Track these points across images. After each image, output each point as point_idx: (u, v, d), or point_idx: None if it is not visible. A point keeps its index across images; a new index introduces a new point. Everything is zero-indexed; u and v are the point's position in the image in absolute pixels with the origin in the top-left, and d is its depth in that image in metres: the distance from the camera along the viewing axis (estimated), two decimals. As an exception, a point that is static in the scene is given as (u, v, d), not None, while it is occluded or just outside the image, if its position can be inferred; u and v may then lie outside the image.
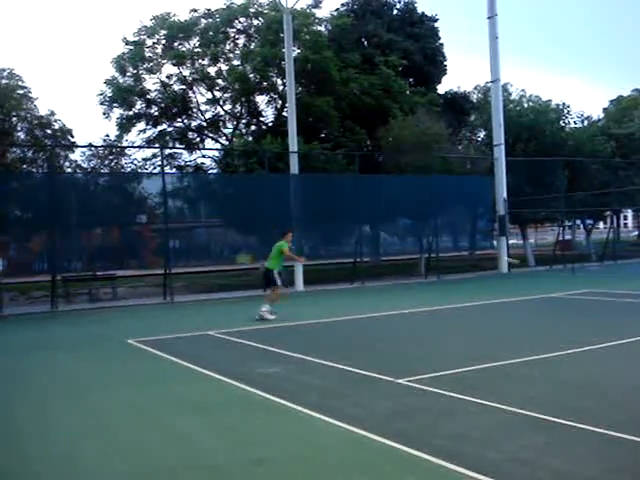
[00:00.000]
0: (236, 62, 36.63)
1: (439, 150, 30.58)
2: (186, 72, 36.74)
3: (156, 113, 37.39)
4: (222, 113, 38.38)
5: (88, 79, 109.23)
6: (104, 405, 7.94)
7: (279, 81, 35.99)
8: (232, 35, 36.80)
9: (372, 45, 39.07)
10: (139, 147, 38.27)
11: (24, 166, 34.66)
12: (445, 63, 43.08)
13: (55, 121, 36.68)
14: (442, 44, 42.91)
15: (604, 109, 52.17)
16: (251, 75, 35.65)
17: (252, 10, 36.46)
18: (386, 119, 33.59)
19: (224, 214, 25.75)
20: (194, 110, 38.03)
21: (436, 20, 43.20)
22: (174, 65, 36.58)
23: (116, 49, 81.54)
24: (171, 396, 8.26)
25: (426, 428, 6.39)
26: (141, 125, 37.48)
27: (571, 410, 6.72)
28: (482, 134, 39.96)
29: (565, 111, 36.38)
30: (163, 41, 36.34)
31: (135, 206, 25.07)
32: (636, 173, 37.34)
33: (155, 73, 36.88)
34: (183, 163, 37.46)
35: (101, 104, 36.58)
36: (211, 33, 35.80)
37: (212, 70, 36.82)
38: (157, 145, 36.23)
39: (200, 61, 36.57)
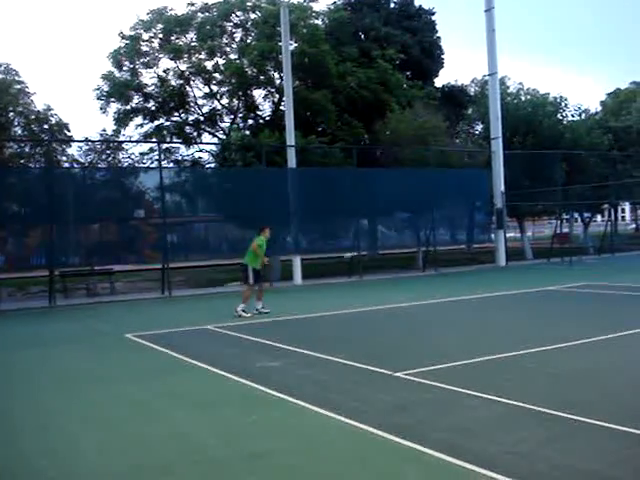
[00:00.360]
0: (233, 56, 36.53)
1: (437, 143, 30.56)
2: (183, 66, 36.60)
3: (153, 107, 37.25)
4: (219, 107, 38.26)
5: (85, 74, 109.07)
6: (103, 399, 7.93)
7: (276, 75, 35.87)
8: (229, 29, 36.68)
9: (369, 39, 38.99)
10: (136, 142, 38.15)
11: (21, 161, 34.59)
12: (442, 56, 43.08)
13: (52, 116, 36.58)
14: (439, 37, 42.89)
15: (602, 102, 52.23)
16: (248, 69, 35.52)
17: (249, 4, 36.34)
18: (383, 113, 33.55)
19: (222, 208, 25.72)
20: (191, 104, 37.91)
21: (433, 13, 43.18)
22: (171, 59, 36.44)
23: (113, 43, 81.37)
24: (170, 390, 8.27)
25: (425, 421, 6.39)
26: (138, 120, 37.34)
27: (571, 403, 6.72)
28: (480, 127, 39.97)
29: (563, 104, 36.37)
30: (160, 35, 36.19)
31: (133, 201, 25.04)
32: (634, 166, 37.36)
33: (152, 67, 36.75)
34: (180, 157, 37.38)
35: (98, 99, 36.43)
36: (208, 27, 35.66)
37: (209, 64, 36.70)
38: (154, 140, 36.12)
39: (197, 55, 36.45)
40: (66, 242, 22.34)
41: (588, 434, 5.84)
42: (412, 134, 30.54)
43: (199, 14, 36.32)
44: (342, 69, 34.68)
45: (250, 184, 24.33)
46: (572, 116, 37.90)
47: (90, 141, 36.38)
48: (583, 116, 39.73)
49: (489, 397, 7.06)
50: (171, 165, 34.25)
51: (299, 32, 33.96)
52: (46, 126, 36.44)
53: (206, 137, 38.96)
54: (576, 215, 40.16)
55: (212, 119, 38.19)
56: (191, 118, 38.23)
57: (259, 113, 38.21)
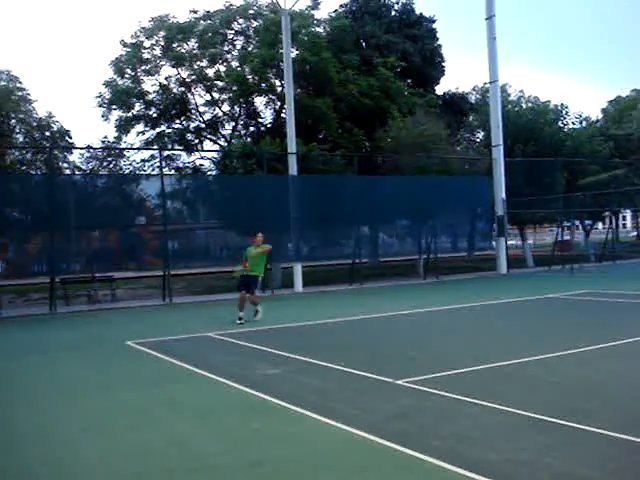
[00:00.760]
0: (235, 63, 36.60)
1: (438, 151, 30.59)
2: (184, 74, 36.71)
3: (155, 115, 37.32)
4: (220, 114, 38.34)
5: (87, 81, 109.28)
6: (103, 407, 7.94)
7: (277, 82, 35.92)
8: (230, 37, 36.78)
9: (370, 46, 39.07)
10: (137, 149, 38.20)
11: (23, 168, 34.62)
12: (443, 64, 43.12)
13: (53, 123, 36.60)
14: (440, 45, 42.93)
15: (603, 110, 52.28)
16: (249, 76, 35.60)
17: (251, 12, 36.44)
18: (385, 120, 33.60)
19: (223, 215, 25.74)
20: (192, 112, 37.97)
21: (434, 21, 43.25)
22: (172, 67, 36.55)
23: (115, 51, 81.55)
24: (170, 398, 8.26)
25: (426, 429, 6.38)
26: (140, 127, 37.40)
27: (571, 411, 6.71)
28: (481, 135, 40.02)
29: (563, 112, 36.46)
30: (162, 42, 36.30)
31: (134, 208, 25.07)
32: (635, 174, 37.38)
33: (153, 75, 36.83)
34: (182, 165, 37.43)
35: (100, 106, 36.50)
36: (210, 34, 35.76)
37: (210, 71, 36.80)
38: (155, 147, 36.17)
39: (199, 62, 36.54)
40: (67, 249, 22.35)
41: (588, 442, 5.83)
42: (413, 142, 30.58)
43: (201, 22, 36.41)
44: (343, 77, 34.73)
45: (251, 191, 24.35)
46: (573, 124, 38.01)
47: (92, 148, 36.42)
48: (584, 124, 39.81)
49: (490, 405, 7.05)
50: (172, 172, 34.29)
51: (300, 40, 34.02)
52: (48, 133, 36.46)
53: (207, 144, 39.01)
54: (577, 223, 40.15)
55: (213, 126, 38.23)
56: (192, 125, 38.29)
57: (260, 120, 38.26)
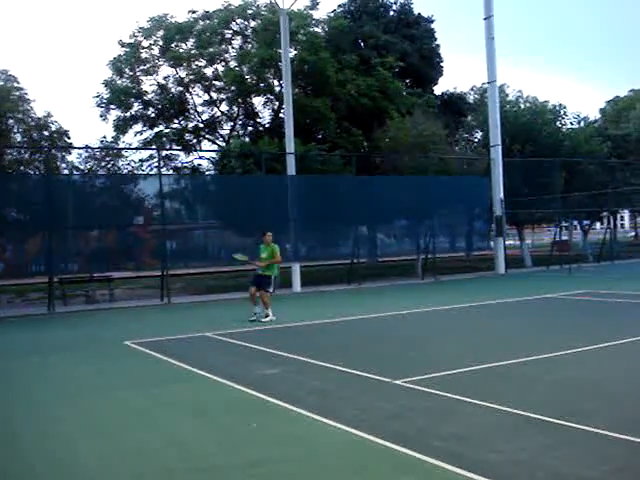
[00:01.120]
0: (233, 63, 36.62)
1: (436, 151, 30.61)
2: (183, 73, 36.74)
3: (153, 115, 37.36)
4: (219, 114, 38.39)
5: (85, 81, 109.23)
6: (102, 407, 7.93)
7: (276, 82, 35.99)
8: (229, 36, 36.80)
9: (369, 46, 39.11)
10: (136, 149, 38.24)
11: (21, 168, 34.61)
12: (442, 64, 43.18)
13: (52, 123, 36.62)
14: (438, 45, 43.00)
15: (601, 109, 52.37)
16: (248, 76, 35.64)
17: (250, 11, 36.47)
18: (383, 120, 33.62)
19: (221, 215, 25.72)
20: (191, 111, 38.02)
21: (432, 21, 43.31)
22: (171, 66, 36.58)
23: (113, 51, 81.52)
24: (169, 398, 8.26)
25: (425, 429, 6.38)
26: (138, 127, 37.46)
27: (570, 411, 6.72)
28: (479, 135, 40.04)
29: (562, 112, 36.48)
30: (160, 42, 36.32)
31: (132, 208, 25.05)
32: (633, 174, 37.41)
33: (152, 75, 36.88)
34: (180, 165, 37.47)
35: (98, 106, 36.55)
36: (208, 34, 35.79)
37: (209, 71, 36.86)
38: (154, 147, 36.17)
39: (197, 62, 36.57)
40: (65, 249, 22.33)
41: (588, 442, 5.83)
42: (411, 142, 30.60)
43: (200, 22, 36.43)
44: (342, 77, 34.78)
45: (249, 191, 24.33)
46: (571, 124, 38.03)
47: (90, 148, 36.44)
48: (582, 124, 39.82)
49: (489, 405, 7.05)
50: (170, 172, 34.31)
51: (299, 40, 34.08)
52: (46, 133, 36.47)
53: (205, 144, 39.10)
54: (575, 223, 40.18)
55: (212, 126, 38.28)
56: (191, 125, 38.35)
57: (259, 120, 38.33)
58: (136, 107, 36.89)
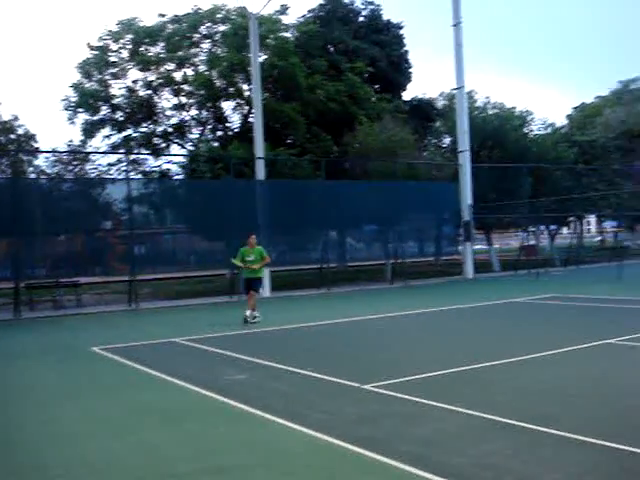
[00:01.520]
0: (202, 67, 36.50)
1: (405, 156, 30.75)
2: (152, 77, 36.50)
3: (121, 118, 37.07)
4: (188, 119, 38.21)
5: (53, 84, 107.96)
6: (68, 414, 7.85)
7: (245, 87, 35.92)
8: (197, 40, 36.66)
9: (338, 52, 39.24)
10: (104, 153, 37.84)
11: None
12: (410, 70, 43.48)
13: (19, 126, 36.28)
14: (407, 51, 43.34)
15: (568, 116, 52.97)
16: (217, 81, 35.54)
17: (219, 16, 36.36)
18: (352, 125, 33.73)
19: (190, 220, 25.63)
20: (160, 115, 37.79)
21: (401, 27, 43.59)
22: (140, 70, 36.33)
23: (82, 54, 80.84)
24: (136, 404, 8.20)
25: (392, 433, 6.40)
26: (106, 130, 37.13)
27: (536, 414, 6.78)
28: (447, 140, 40.25)
29: (528, 117, 36.83)
30: (129, 46, 36.07)
31: (100, 212, 24.86)
32: (599, 179, 37.87)
33: (120, 78, 36.58)
34: (148, 169, 37.18)
35: (66, 109, 36.18)
36: (177, 38, 35.63)
37: (178, 75, 36.67)
38: (122, 151, 35.91)
39: (166, 66, 36.38)
40: (32, 254, 22.10)
41: (554, 445, 5.88)
42: (380, 147, 30.74)
43: (169, 25, 36.24)
44: (311, 82, 34.81)
45: (218, 196, 24.27)
46: (538, 130, 38.42)
47: (57, 152, 36.05)
48: (549, 130, 40.25)
49: (456, 409, 7.09)
50: (139, 176, 34.05)
51: (268, 44, 34.06)
52: (12, 136, 36.06)
53: (174, 148, 38.85)
54: (542, 227, 40.55)
55: (181, 130, 38.08)
56: (159, 129, 38.09)
57: (228, 125, 38.20)
58: (104, 111, 36.59)
